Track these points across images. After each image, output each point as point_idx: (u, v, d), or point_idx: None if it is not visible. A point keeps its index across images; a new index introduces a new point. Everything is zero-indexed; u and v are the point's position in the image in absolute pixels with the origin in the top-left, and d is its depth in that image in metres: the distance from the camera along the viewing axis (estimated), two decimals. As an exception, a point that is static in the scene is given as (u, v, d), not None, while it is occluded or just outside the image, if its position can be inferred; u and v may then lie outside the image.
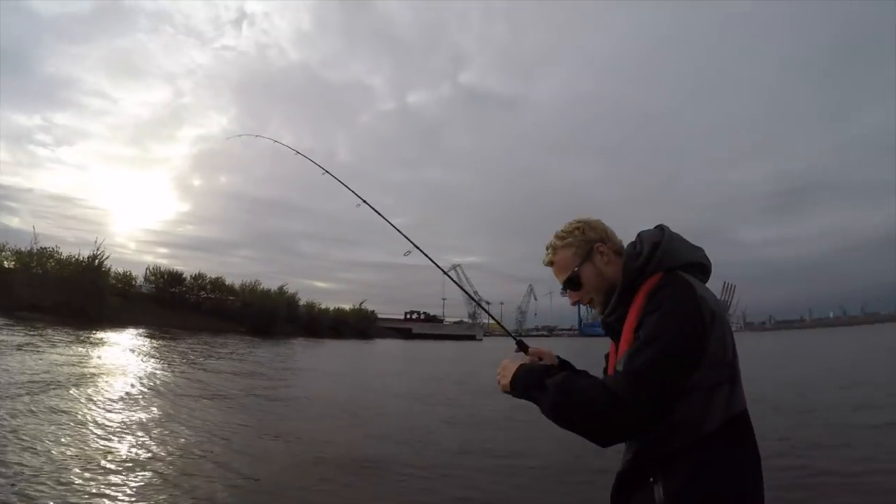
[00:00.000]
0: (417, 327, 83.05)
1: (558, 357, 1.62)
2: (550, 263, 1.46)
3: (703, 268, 1.36)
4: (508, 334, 1.83)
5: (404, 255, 2.06)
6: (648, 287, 1.26)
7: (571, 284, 1.42)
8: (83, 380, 9.43)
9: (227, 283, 44.78)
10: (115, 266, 33.14)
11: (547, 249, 1.47)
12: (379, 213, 2.18)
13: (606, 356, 1.48)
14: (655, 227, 1.40)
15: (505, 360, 1.43)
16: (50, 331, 17.86)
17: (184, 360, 15.32)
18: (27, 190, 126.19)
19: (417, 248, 2.07)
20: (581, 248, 1.40)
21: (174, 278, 39.63)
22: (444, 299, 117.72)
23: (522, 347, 1.64)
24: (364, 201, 2.24)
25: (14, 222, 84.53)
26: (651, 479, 1.19)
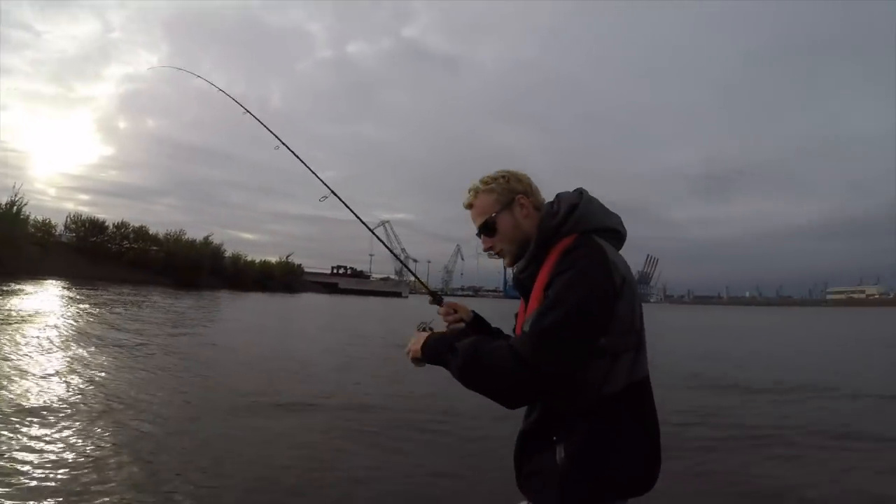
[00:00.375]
0: (344, 282, 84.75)
1: (473, 312, 1.62)
2: (469, 206, 1.42)
3: (617, 234, 1.35)
4: (426, 289, 1.79)
5: (320, 199, 1.89)
6: (562, 247, 1.26)
7: (486, 229, 1.39)
8: None
9: (150, 232, 44.92)
10: (35, 214, 32.82)
11: (469, 192, 1.43)
12: (297, 156, 2.03)
13: (516, 315, 1.44)
14: (575, 190, 1.39)
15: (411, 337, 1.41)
16: None
17: (104, 313, 15.09)
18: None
19: (334, 193, 1.93)
20: (503, 196, 1.38)
21: (96, 226, 39.56)
22: (371, 255, 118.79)
23: (437, 300, 1.64)
24: (283, 143, 2.05)
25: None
26: (554, 439, 1.20)
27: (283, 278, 60.63)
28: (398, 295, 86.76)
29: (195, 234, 50.67)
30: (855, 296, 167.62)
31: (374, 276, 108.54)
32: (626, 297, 1.20)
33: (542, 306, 1.16)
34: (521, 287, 1.37)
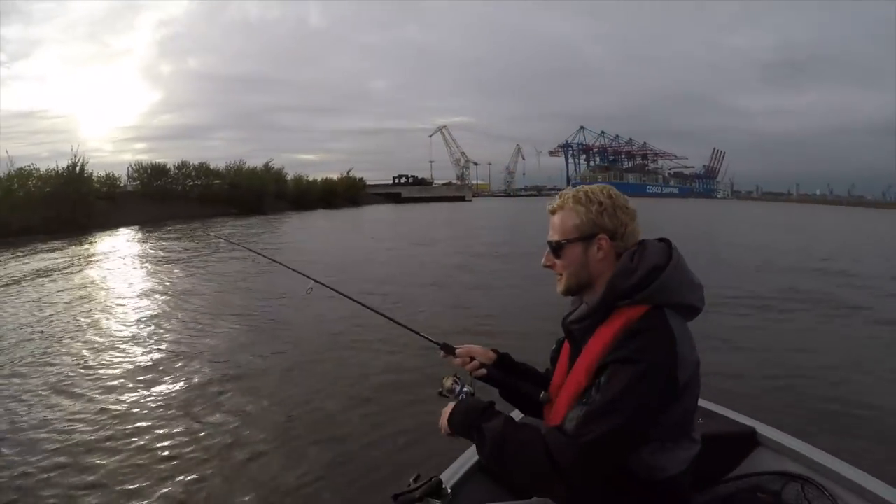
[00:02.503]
0: (406, 191, 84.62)
1: (495, 351, 1.50)
2: (553, 213, 1.28)
3: (694, 310, 1.21)
4: (430, 341, 1.55)
5: None
6: (628, 318, 1.13)
7: (553, 249, 1.27)
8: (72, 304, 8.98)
9: (211, 167, 45.94)
10: (97, 171, 33.79)
11: (559, 197, 1.29)
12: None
13: (556, 349, 1.40)
14: (661, 241, 1.25)
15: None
16: (42, 246, 19.02)
17: (183, 255, 15.80)
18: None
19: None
20: (584, 227, 1.22)
21: (158, 171, 40.67)
22: (431, 162, 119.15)
23: (448, 351, 1.49)
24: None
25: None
26: None
27: (346, 193, 61.18)
28: (462, 199, 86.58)
29: (255, 161, 51.53)
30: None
31: (436, 182, 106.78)
32: (686, 397, 1.12)
33: (594, 407, 1.06)
34: (569, 334, 1.30)
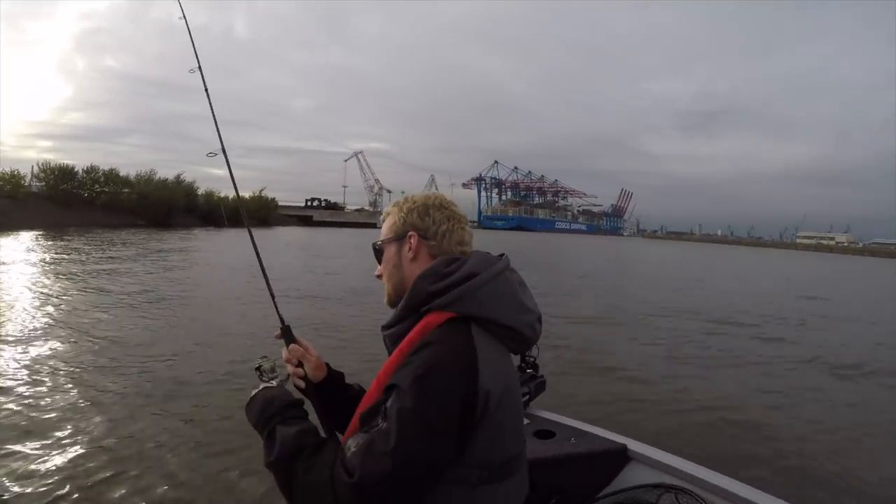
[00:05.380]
0: (318, 215, 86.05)
1: (327, 366, 1.29)
2: (384, 221, 1.19)
3: (517, 336, 1.02)
4: (278, 314, 1.30)
5: (208, 155, 1.49)
6: (425, 327, 0.97)
7: (375, 253, 1.18)
8: None
9: (121, 174, 45.76)
10: (-1, 166, 32.21)
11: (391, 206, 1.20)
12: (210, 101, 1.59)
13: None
14: (499, 256, 1.10)
15: None
16: None
17: (84, 261, 15.73)
18: None
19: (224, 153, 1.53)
20: (398, 226, 1.13)
21: (66, 173, 40.07)
22: (344, 187, 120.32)
23: (287, 336, 1.26)
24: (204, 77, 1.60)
25: None
26: None
27: (257, 213, 62.02)
28: (373, 226, 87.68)
29: (165, 172, 52.13)
30: (824, 242, 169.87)
31: (348, 207, 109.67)
32: (490, 428, 0.92)
33: (375, 436, 0.86)
34: (385, 343, 1.10)
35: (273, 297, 1.37)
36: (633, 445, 1.86)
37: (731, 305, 13.28)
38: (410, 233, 1.11)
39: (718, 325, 10.21)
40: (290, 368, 1.23)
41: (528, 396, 2.15)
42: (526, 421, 2.08)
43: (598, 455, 1.84)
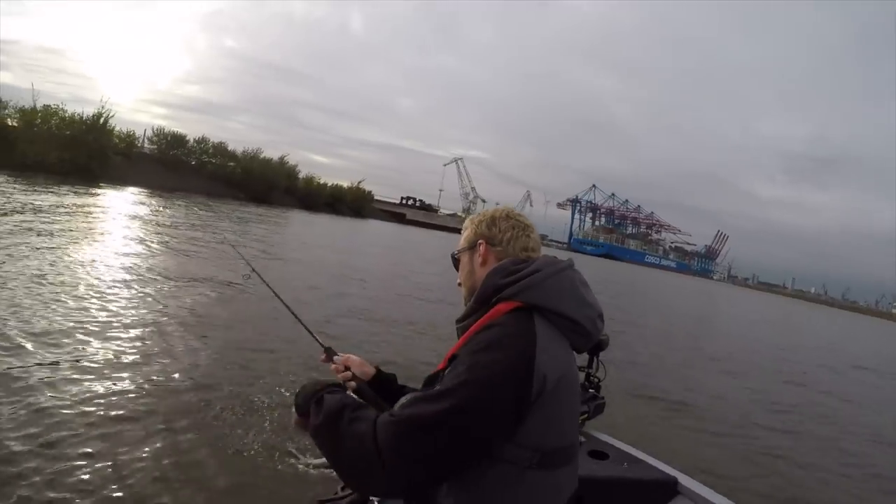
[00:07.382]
0: (411, 213, 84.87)
1: (377, 368, 1.41)
2: (462, 234, 1.33)
3: (579, 329, 1.08)
4: (317, 342, 1.46)
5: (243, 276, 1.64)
6: (494, 314, 1.05)
7: (454, 263, 1.32)
8: (81, 234, 10.24)
9: (228, 149, 45.88)
10: (117, 126, 33.79)
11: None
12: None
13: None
14: (566, 261, 1.19)
15: None
16: (55, 187, 19.10)
17: (184, 221, 16.70)
18: (13, 42, 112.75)
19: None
20: (471, 237, 1.26)
21: (177, 140, 40.56)
22: (440, 190, 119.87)
23: (329, 355, 1.41)
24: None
25: (7, 78, 78.86)
26: None
27: (352, 203, 61.41)
28: None
29: (270, 153, 51.37)
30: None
31: (441, 210, 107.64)
32: (544, 409, 0.95)
33: (427, 392, 0.98)
34: (458, 335, 1.16)
35: (309, 330, 1.52)
36: (684, 480, 1.90)
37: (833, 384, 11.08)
38: (480, 241, 1.24)
39: (811, 392, 9.38)
40: (340, 376, 1.35)
41: (586, 415, 2.18)
42: (581, 439, 2.09)
43: (649, 483, 1.88)
